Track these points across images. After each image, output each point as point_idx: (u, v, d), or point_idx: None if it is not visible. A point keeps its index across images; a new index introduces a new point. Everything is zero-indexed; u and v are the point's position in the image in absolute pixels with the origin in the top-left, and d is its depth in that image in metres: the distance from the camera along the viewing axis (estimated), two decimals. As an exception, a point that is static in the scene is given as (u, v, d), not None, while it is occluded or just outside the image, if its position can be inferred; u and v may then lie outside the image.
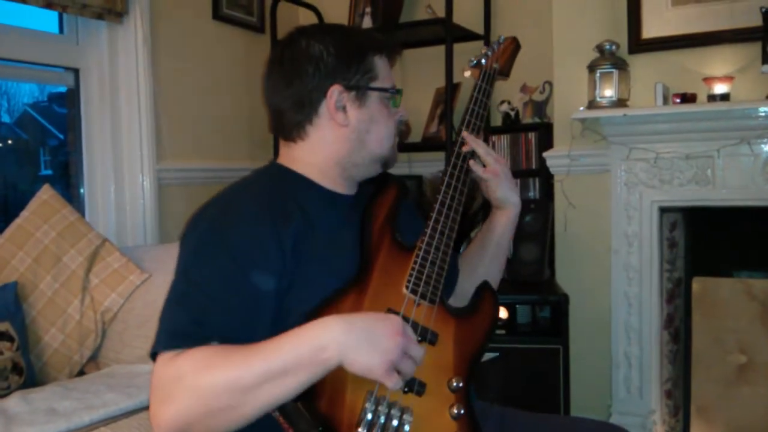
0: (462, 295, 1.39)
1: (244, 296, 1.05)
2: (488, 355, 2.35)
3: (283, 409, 0.99)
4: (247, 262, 1.06)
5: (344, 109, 1.20)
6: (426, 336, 1.11)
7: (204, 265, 1.07)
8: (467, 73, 1.50)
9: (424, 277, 1.16)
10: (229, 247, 1.07)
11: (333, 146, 1.22)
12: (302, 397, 0.97)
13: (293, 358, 0.95)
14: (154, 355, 1.01)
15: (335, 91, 1.19)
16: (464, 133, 1.34)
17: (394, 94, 1.25)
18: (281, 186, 1.20)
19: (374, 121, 1.23)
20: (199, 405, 0.94)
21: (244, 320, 1.05)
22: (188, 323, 1.01)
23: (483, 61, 1.46)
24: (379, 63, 1.23)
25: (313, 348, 0.95)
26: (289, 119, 1.22)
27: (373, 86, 1.22)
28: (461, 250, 1.48)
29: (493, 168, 1.33)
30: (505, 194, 1.35)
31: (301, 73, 1.20)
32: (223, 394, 0.94)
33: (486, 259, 1.42)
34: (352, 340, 0.96)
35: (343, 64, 1.19)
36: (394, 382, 0.98)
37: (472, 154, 1.33)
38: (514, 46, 1.53)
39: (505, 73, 1.50)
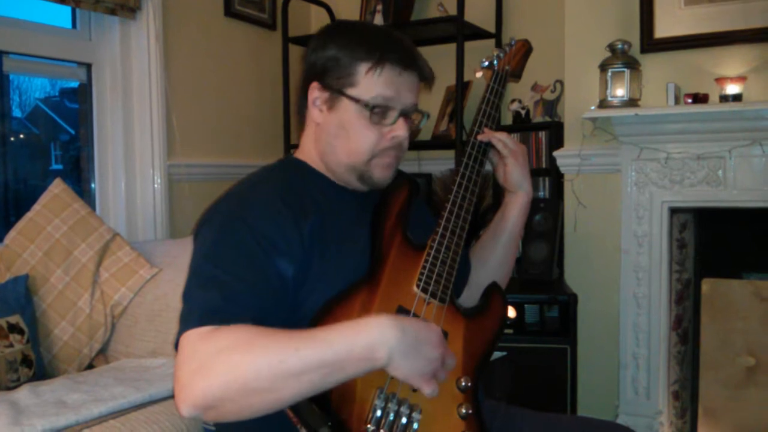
0: (476, 287, 1.39)
1: (271, 279, 1.05)
2: (496, 354, 2.35)
3: (293, 405, 0.99)
4: (271, 246, 1.06)
5: (321, 107, 1.22)
6: (436, 335, 1.11)
7: (229, 249, 1.07)
8: (479, 74, 1.50)
9: (434, 276, 1.16)
10: (252, 232, 1.07)
11: (314, 141, 1.24)
12: None
13: (345, 351, 0.94)
14: (178, 341, 0.99)
15: (314, 88, 1.21)
16: (485, 130, 1.35)
17: (364, 107, 1.17)
18: (297, 179, 1.21)
19: (343, 129, 1.19)
20: (236, 381, 0.92)
21: (270, 302, 1.04)
22: (220, 301, 1.00)
23: (495, 62, 1.46)
24: (362, 69, 1.17)
25: (367, 346, 0.95)
26: (297, 102, 1.28)
27: (346, 93, 1.18)
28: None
29: (514, 149, 1.35)
30: (520, 178, 1.36)
31: (306, 61, 1.24)
32: (264, 375, 0.92)
33: (499, 249, 1.41)
34: (403, 346, 0.96)
35: (329, 62, 1.19)
36: (432, 389, 1.00)
37: (489, 145, 1.35)
38: (526, 48, 1.53)
39: (516, 75, 1.50)
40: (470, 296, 1.40)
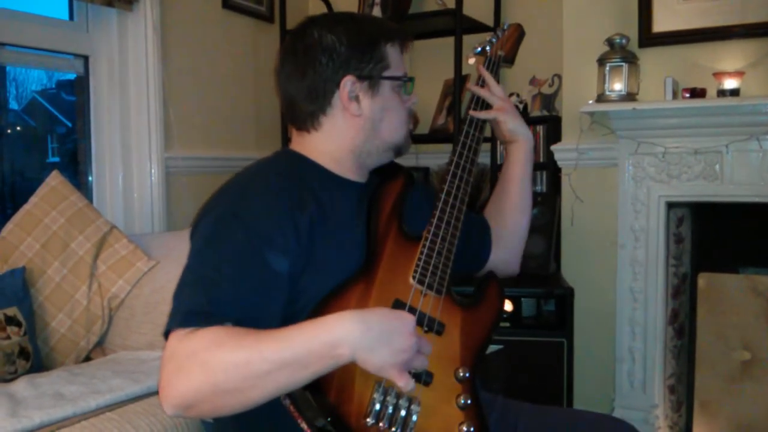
0: (502, 239, 1.48)
1: (260, 278, 1.05)
2: (492, 348, 2.36)
3: (293, 398, 0.99)
4: (264, 243, 1.06)
5: (357, 99, 1.21)
6: (433, 326, 1.12)
7: (220, 246, 1.07)
8: (471, 61, 1.51)
9: (430, 268, 1.16)
10: (246, 229, 1.07)
11: (347, 135, 1.22)
12: (312, 387, 0.98)
13: (305, 350, 0.95)
14: (167, 334, 1.01)
15: (348, 82, 1.20)
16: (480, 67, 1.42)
17: (406, 81, 1.26)
18: (295, 172, 1.20)
19: (387, 110, 1.23)
20: (208, 382, 0.94)
21: (259, 301, 1.05)
22: (204, 302, 1.01)
23: (488, 48, 1.47)
24: (391, 51, 1.24)
25: (327, 343, 0.95)
26: (302, 109, 1.23)
27: (385, 75, 1.22)
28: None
29: (500, 105, 1.40)
30: (515, 126, 1.42)
31: (315, 64, 1.20)
32: (232, 375, 0.94)
33: (513, 197, 1.47)
34: (368, 340, 0.96)
35: (356, 54, 1.20)
36: (405, 382, 0.99)
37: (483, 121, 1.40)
38: (518, 33, 1.53)
39: (509, 60, 1.50)
40: (500, 248, 1.48)
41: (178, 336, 0.99)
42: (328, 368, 0.96)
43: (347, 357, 0.95)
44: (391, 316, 1.01)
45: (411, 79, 1.27)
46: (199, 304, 1.01)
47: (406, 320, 1.01)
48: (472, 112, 1.39)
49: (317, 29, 1.22)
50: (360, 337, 0.96)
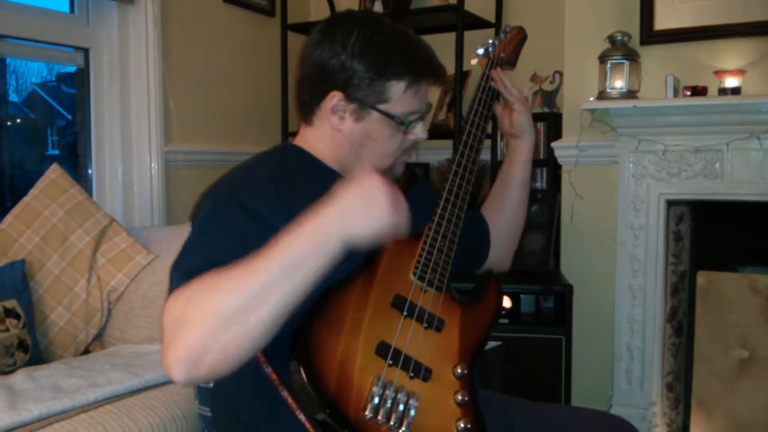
0: (496, 239, 1.48)
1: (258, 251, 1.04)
2: (491, 344, 2.36)
3: (291, 390, 0.99)
4: (263, 223, 1.06)
5: (342, 115, 1.18)
6: (432, 323, 1.12)
7: (221, 221, 1.07)
8: (474, 62, 1.52)
9: (431, 265, 1.17)
10: (245, 209, 1.07)
11: (330, 143, 1.22)
12: (311, 380, 0.97)
13: (296, 247, 0.90)
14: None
15: (335, 97, 1.17)
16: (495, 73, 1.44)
17: (399, 124, 1.19)
18: (294, 165, 1.21)
19: (370, 138, 1.20)
20: (210, 314, 0.88)
21: None
22: (204, 264, 0.97)
23: (490, 50, 1.48)
24: (396, 87, 1.17)
25: (312, 231, 0.91)
26: (301, 97, 1.24)
27: (379, 108, 1.18)
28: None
29: (520, 96, 1.44)
30: (526, 122, 1.45)
31: (318, 61, 1.18)
32: (234, 298, 0.88)
33: (513, 195, 1.48)
34: (348, 210, 0.91)
35: (358, 72, 1.15)
36: (400, 216, 0.94)
37: (498, 94, 1.44)
38: (521, 36, 1.54)
39: (511, 62, 1.52)
40: (497, 246, 1.48)
41: (173, 296, 0.94)
42: (323, 259, 0.91)
43: (337, 236, 0.91)
44: (355, 182, 0.95)
45: (404, 123, 1.19)
46: (199, 265, 0.97)
47: (371, 176, 0.95)
48: (493, 78, 1.43)
49: (341, 26, 1.18)
50: (340, 211, 0.91)
